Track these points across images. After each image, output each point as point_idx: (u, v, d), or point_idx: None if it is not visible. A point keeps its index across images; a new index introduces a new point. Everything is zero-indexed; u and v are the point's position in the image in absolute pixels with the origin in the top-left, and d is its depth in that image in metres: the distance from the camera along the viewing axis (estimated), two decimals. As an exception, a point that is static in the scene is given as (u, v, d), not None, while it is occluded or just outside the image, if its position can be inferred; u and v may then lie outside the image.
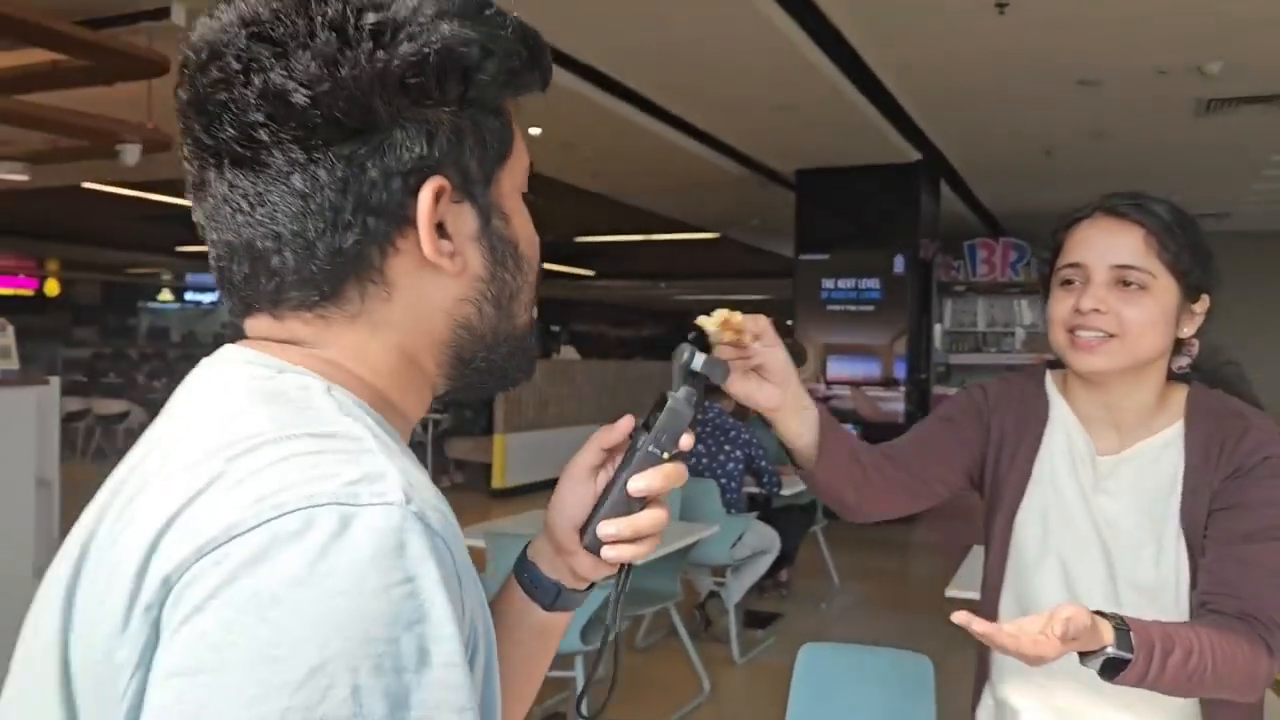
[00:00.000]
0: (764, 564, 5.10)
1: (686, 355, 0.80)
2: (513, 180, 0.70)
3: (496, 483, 9.33)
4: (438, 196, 0.63)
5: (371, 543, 0.50)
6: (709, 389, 0.83)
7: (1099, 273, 1.26)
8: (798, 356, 5.41)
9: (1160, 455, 1.29)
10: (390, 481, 0.54)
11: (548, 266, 17.45)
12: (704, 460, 5.02)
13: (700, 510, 4.71)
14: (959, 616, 1.05)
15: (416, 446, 10.49)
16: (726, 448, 5.03)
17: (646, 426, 0.76)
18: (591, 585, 0.82)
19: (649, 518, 0.76)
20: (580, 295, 22.86)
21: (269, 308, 0.65)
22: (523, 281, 0.71)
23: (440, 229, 0.64)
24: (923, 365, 9.31)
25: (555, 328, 22.85)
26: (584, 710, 0.90)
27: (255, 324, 0.66)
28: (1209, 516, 1.24)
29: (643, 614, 4.59)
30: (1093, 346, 1.25)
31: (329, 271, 0.62)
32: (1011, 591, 1.37)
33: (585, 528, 0.77)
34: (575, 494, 0.79)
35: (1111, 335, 1.25)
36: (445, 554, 0.54)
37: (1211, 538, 1.23)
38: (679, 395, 0.77)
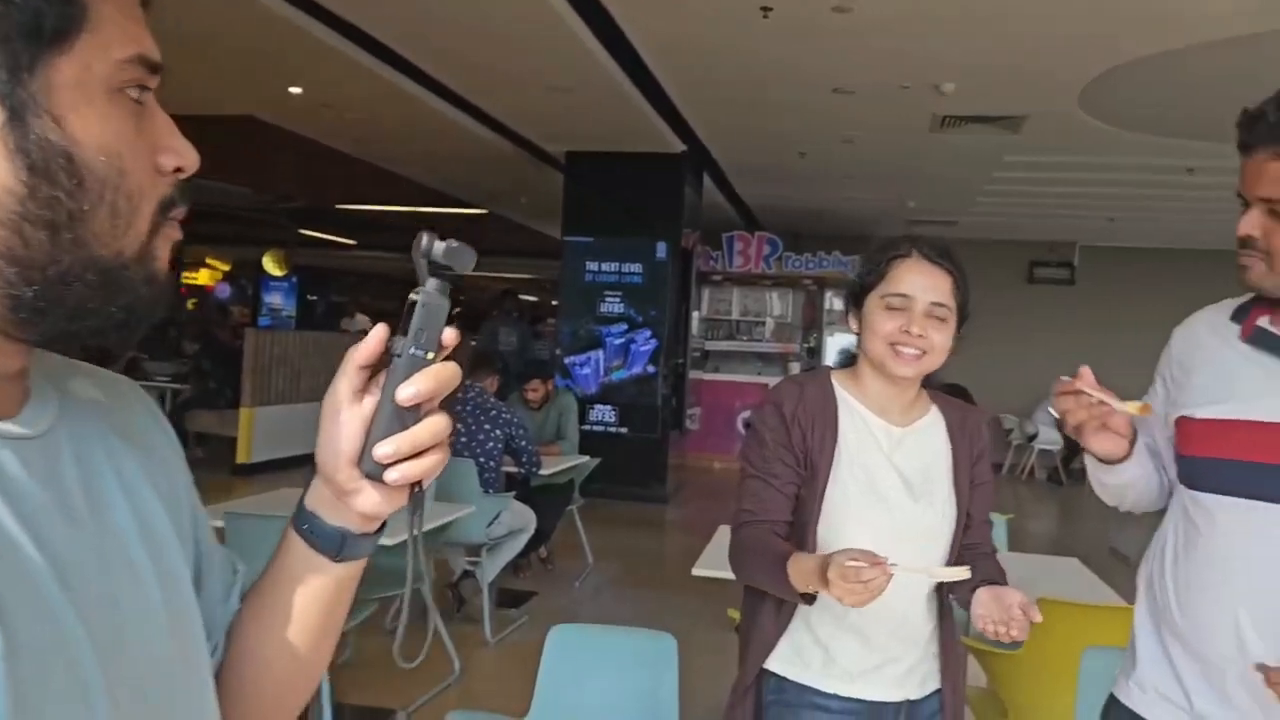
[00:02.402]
0: (519, 543, 5.12)
1: (425, 242, 0.69)
2: (87, 71, 0.57)
3: (241, 458, 8.85)
4: None
5: None
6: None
7: (920, 305, 1.65)
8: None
9: (930, 432, 1.74)
10: None
11: (304, 232, 16.41)
12: (463, 439, 4.97)
13: (457, 489, 4.67)
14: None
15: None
16: (486, 427, 5.01)
17: (403, 332, 0.69)
18: (383, 526, 0.76)
19: (428, 427, 0.68)
20: (341, 265, 22.01)
21: None
22: (91, 201, 0.57)
23: None
24: (681, 351, 9.62)
25: (312, 296, 21.87)
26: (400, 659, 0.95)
27: None
28: (972, 488, 1.73)
29: (392, 595, 4.50)
30: (909, 360, 1.65)
31: None
32: (826, 547, 1.63)
33: (362, 457, 0.69)
34: (342, 425, 0.69)
35: (924, 353, 1.65)
36: None
37: (975, 508, 1.74)
38: (429, 289, 0.69)
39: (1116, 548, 7.39)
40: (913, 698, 1.70)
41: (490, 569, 4.93)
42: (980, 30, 5.34)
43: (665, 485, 9.07)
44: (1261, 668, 1.26)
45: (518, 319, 10.87)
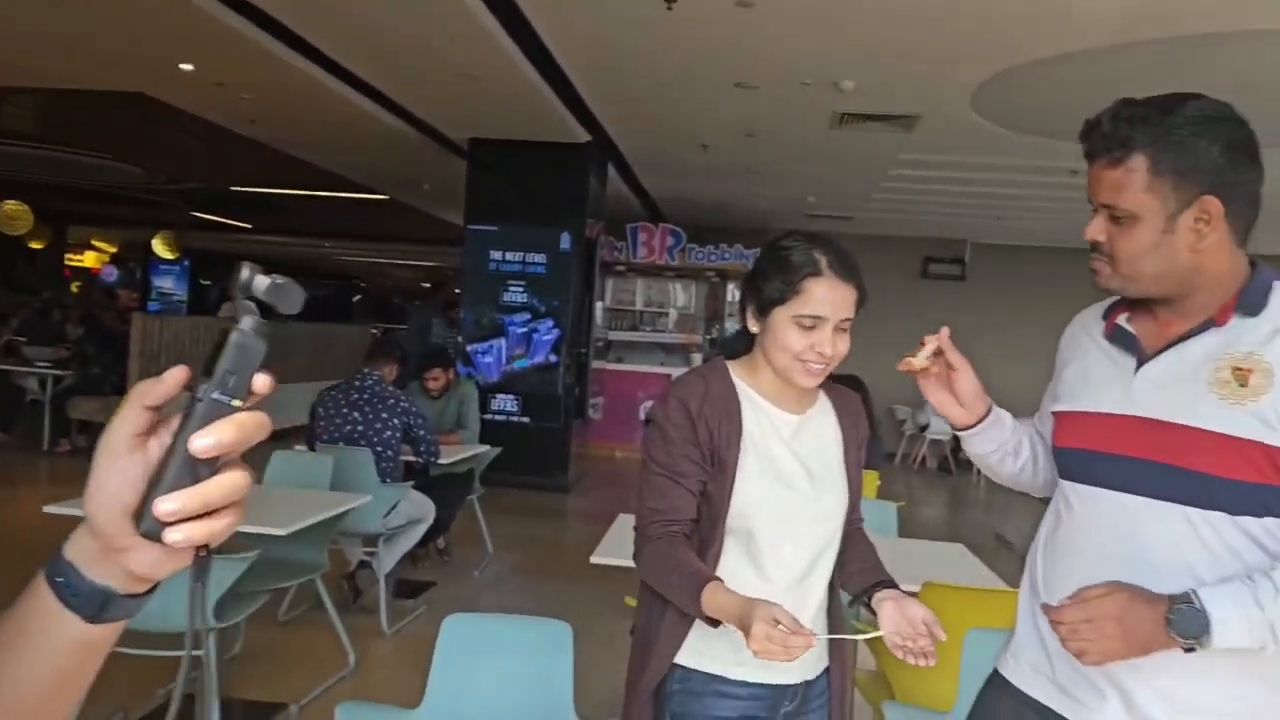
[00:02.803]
0: (418, 532, 5.07)
1: (246, 274, 0.61)
2: None
3: (127, 448, 8.53)
4: None
5: None
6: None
7: (831, 323, 1.66)
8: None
9: (822, 419, 1.79)
10: None
11: (198, 214, 15.84)
12: (360, 428, 4.89)
13: (353, 479, 4.60)
14: None
15: (32, 405, 9.39)
16: (384, 415, 4.94)
17: (208, 373, 0.60)
18: (155, 585, 0.64)
19: (222, 485, 0.60)
20: (236, 249, 21.36)
21: None
22: None
23: None
24: (584, 340, 9.63)
25: (206, 281, 21.17)
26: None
27: None
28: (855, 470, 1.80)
29: (286, 587, 4.41)
30: (817, 374, 1.69)
31: None
32: (735, 536, 1.69)
33: (141, 511, 0.60)
34: (121, 471, 0.61)
35: (828, 365, 1.69)
36: None
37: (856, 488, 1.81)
38: (245, 327, 0.61)
39: (1002, 534, 7.68)
40: (809, 678, 1.76)
41: (387, 559, 4.87)
42: (878, 30, 5.47)
43: (567, 474, 9.07)
44: (1045, 608, 1.34)
45: (444, 309, 10.84)
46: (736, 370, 1.78)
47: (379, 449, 4.86)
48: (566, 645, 2.09)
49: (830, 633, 1.78)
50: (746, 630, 1.41)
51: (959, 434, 1.64)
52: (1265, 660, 1.31)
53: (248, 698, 3.75)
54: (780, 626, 1.39)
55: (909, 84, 6.48)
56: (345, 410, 4.93)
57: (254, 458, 0.70)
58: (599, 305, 10.61)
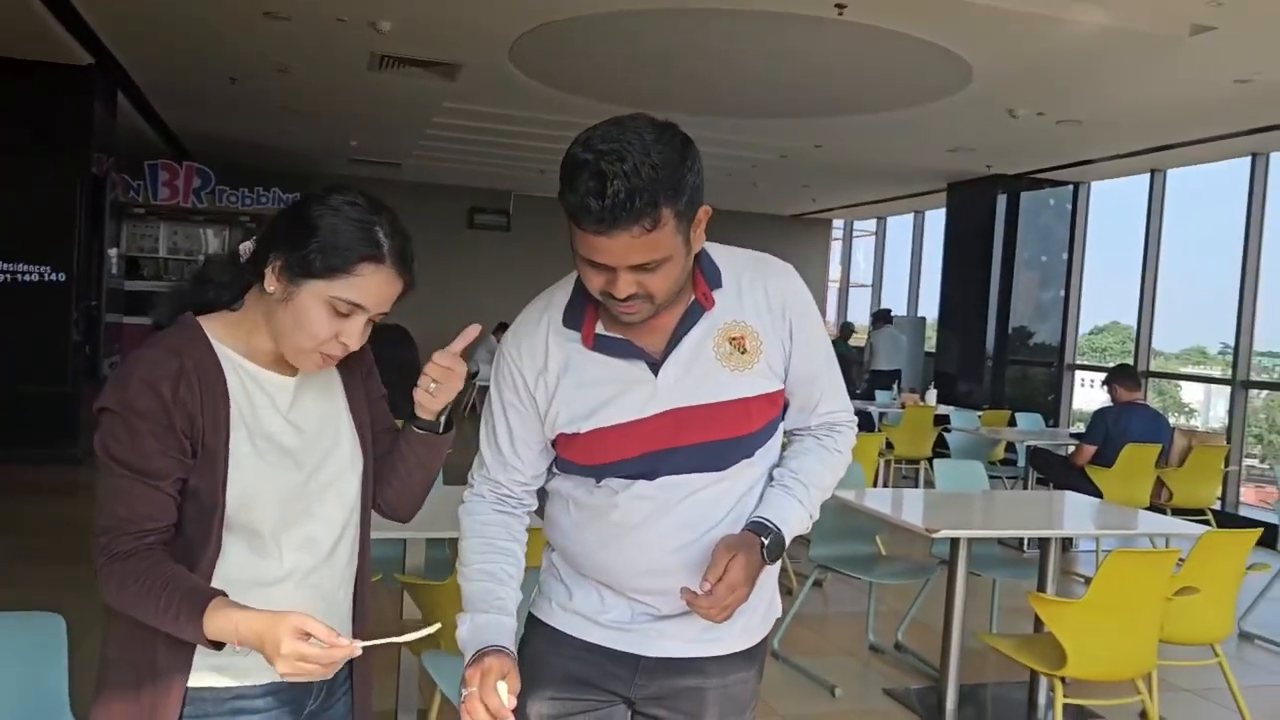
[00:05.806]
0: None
1: None
2: None
3: None
4: None
5: None
6: None
7: (369, 315, 1.45)
8: None
9: (320, 373, 1.52)
10: None
11: None
12: None
13: None
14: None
15: None
16: None
17: None
18: None
19: None
20: None
21: None
22: None
23: None
24: (94, 291, 8.55)
25: None
26: None
27: None
28: (370, 405, 1.59)
29: None
30: (328, 361, 1.46)
31: None
32: (235, 531, 1.40)
33: None
34: None
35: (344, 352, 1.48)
36: None
37: (379, 422, 1.61)
38: None
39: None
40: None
41: None
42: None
43: (78, 443, 8.05)
44: (688, 595, 1.44)
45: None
46: (216, 330, 1.46)
47: None
48: (59, 640, 1.82)
49: (357, 604, 1.58)
50: (271, 651, 1.22)
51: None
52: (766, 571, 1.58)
53: None
54: (313, 640, 1.21)
55: (448, 30, 6.45)
56: None
57: None
58: (113, 252, 9.47)
